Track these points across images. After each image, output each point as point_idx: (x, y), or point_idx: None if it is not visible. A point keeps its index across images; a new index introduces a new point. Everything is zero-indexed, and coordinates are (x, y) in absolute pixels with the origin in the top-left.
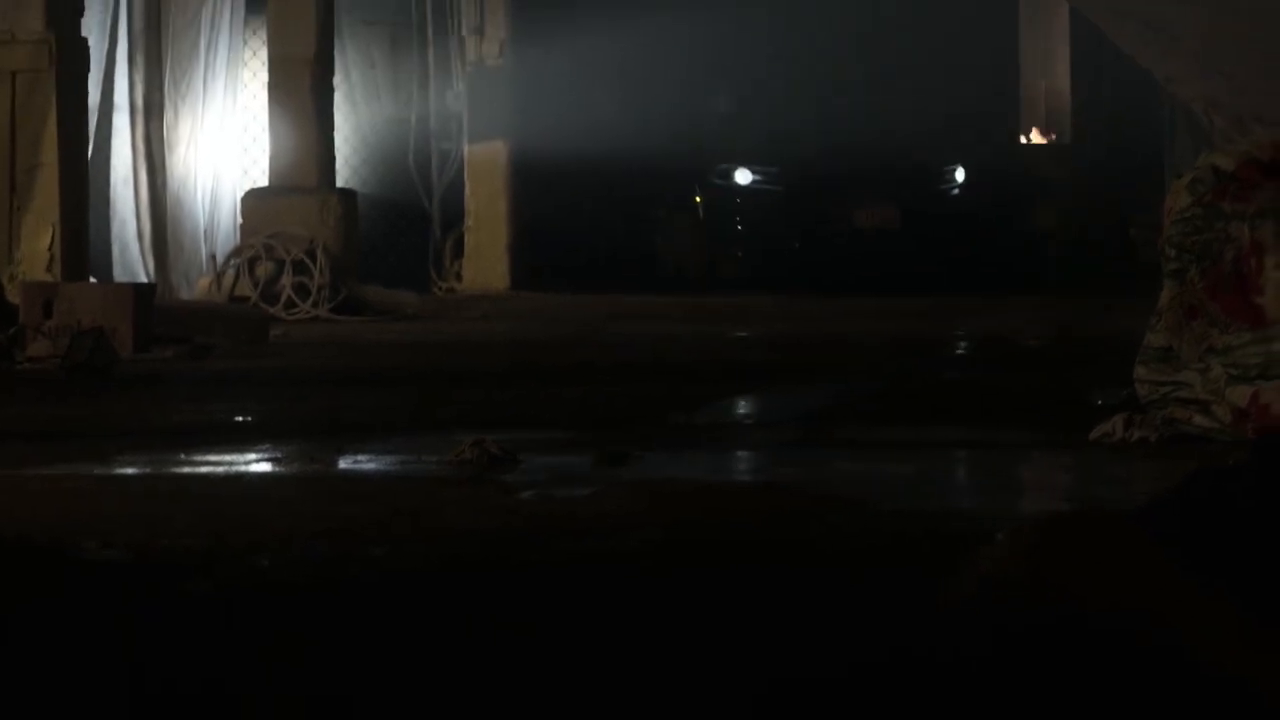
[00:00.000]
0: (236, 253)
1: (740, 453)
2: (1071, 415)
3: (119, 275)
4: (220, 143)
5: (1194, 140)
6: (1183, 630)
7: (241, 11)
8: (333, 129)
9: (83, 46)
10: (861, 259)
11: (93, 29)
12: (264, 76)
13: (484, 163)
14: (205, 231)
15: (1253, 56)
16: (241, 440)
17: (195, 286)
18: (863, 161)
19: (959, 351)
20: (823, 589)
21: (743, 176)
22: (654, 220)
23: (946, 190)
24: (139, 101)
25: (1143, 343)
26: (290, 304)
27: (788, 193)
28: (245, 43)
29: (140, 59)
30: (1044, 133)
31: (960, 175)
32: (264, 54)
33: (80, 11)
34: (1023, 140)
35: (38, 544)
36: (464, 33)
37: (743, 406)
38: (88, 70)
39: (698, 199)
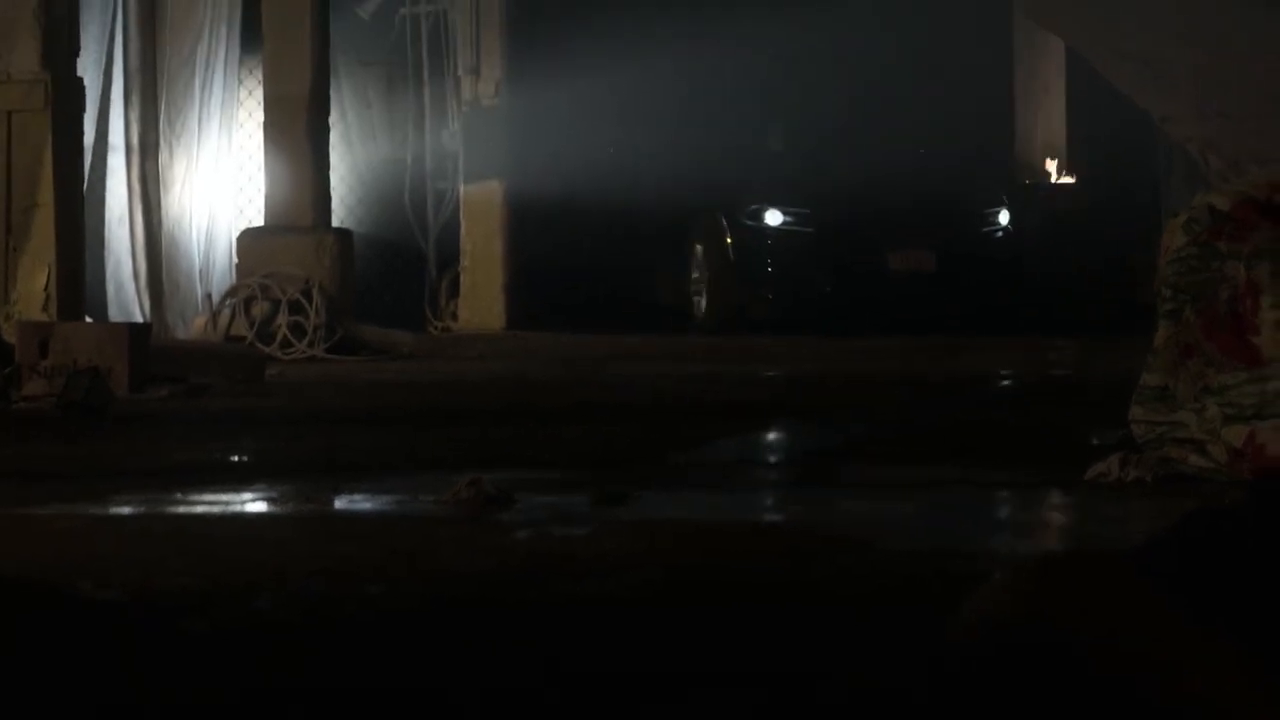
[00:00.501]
0: (232, 292)
1: (741, 492)
2: (1068, 454)
3: (114, 315)
4: (216, 182)
5: (1190, 180)
6: (1178, 670)
7: (237, 51)
8: (328, 168)
9: (78, 86)
10: (894, 302)
11: (88, 68)
12: (260, 116)
13: (480, 202)
14: (201, 271)
15: (1250, 97)
16: (237, 480)
17: (191, 326)
18: (896, 203)
19: (963, 392)
20: (823, 629)
21: (773, 218)
22: (665, 259)
23: (990, 233)
24: (134, 140)
25: (1139, 382)
26: (286, 343)
27: (819, 234)
28: (241, 82)
29: (135, 98)
30: (1059, 172)
31: (1005, 218)
32: (260, 93)
33: (76, 52)
34: (1050, 179)
35: (34, 584)
36: (460, 73)
37: (744, 446)
38: (83, 110)
39: (728, 239)
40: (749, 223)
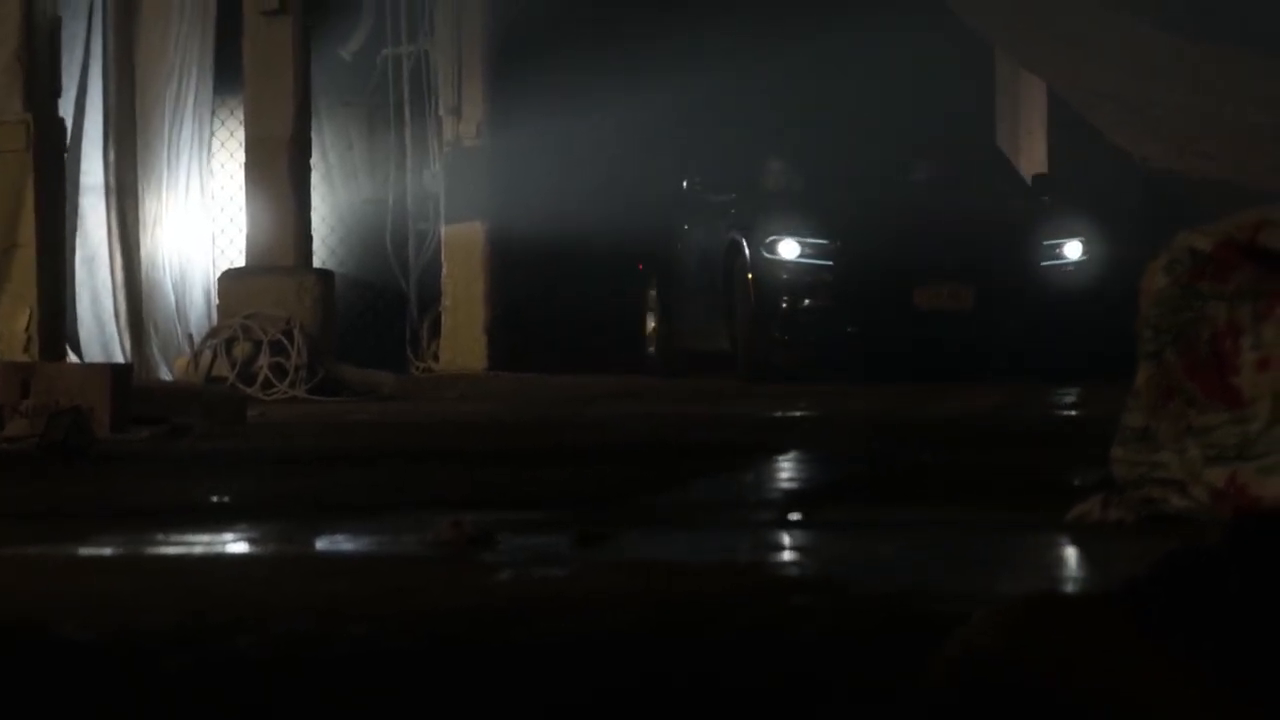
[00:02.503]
0: (213, 333)
1: (721, 533)
2: (1050, 495)
3: (96, 356)
4: (196, 222)
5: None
6: (1159, 711)
7: (209, 91)
8: (310, 209)
9: (60, 127)
10: (924, 345)
11: (68, 108)
12: (241, 156)
13: (461, 243)
14: (182, 312)
15: (1228, 137)
16: (220, 520)
17: (173, 367)
18: (928, 231)
19: (952, 433)
20: (801, 671)
21: (788, 250)
22: (650, 299)
23: (1052, 267)
24: (112, 181)
25: (1120, 423)
26: (268, 384)
27: (840, 268)
28: (223, 123)
29: (113, 138)
30: None
31: (1075, 250)
32: (241, 134)
33: (58, 93)
34: None
35: (14, 624)
36: (441, 113)
37: (725, 486)
38: (65, 150)
39: (749, 275)
40: (766, 255)
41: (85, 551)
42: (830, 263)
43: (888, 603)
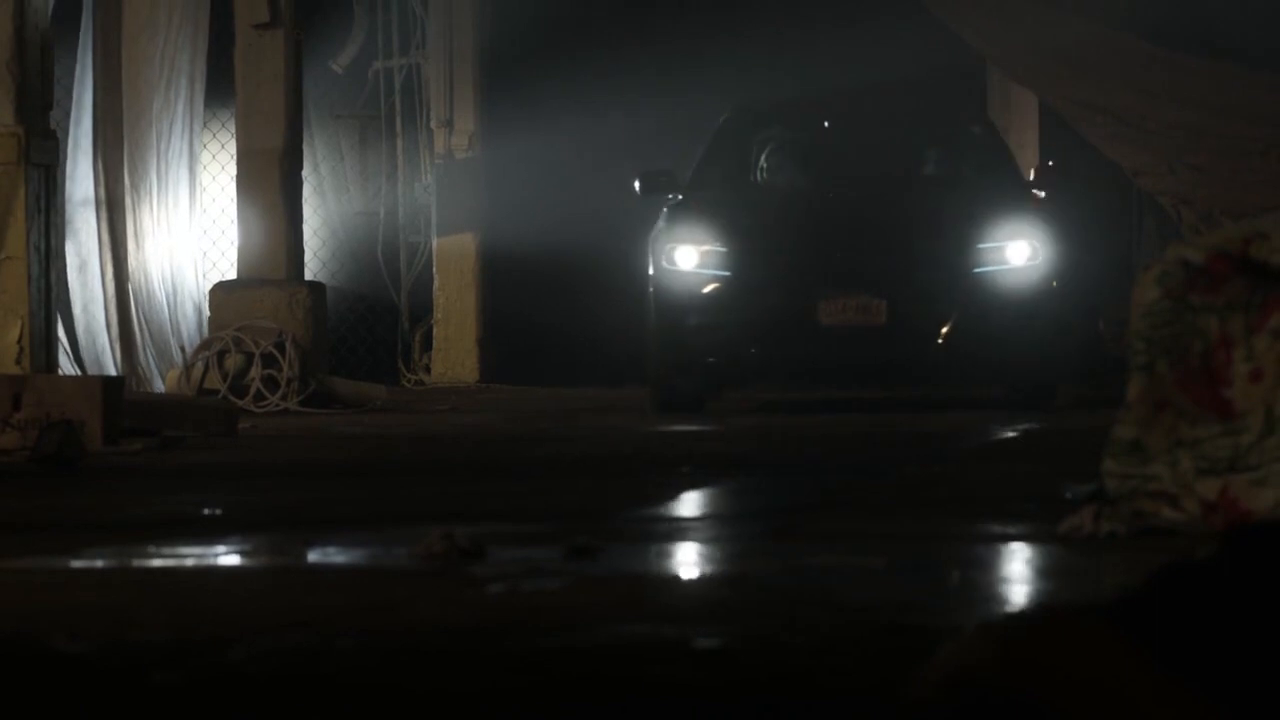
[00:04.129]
0: (205, 345)
1: (708, 545)
2: (1041, 508)
3: (88, 368)
4: (188, 234)
5: (1162, 233)
6: None
7: (201, 103)
8: (302, 221)
9: (52, 139)
10: (832, 368)
11: (59, 119)
12: (233, 168)
13: (453, 255)
14: (173, 324)
15: (1220, 151)
16: (210, 533)
17: (164, 379)
18: (836, 236)
19: (929, 445)
20: (789, 683)
21: (686, 259)
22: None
23: (990, 274)
24: (102, 193)
25: (1111, 435)
26: (259, 396)
27: (738, 279)
28: (214, 135)
29: (103, 150)
30: None
31: (1021, 254)
32: (233, 147)
33: (49, 106)
34: None
35: (4, 636)
36: (433, 125)
37: (712, 499)
38: (57, 163)
39: (650, 289)
40: (666, 266)
41: (76, 564)
42: (729, 273)
43: (880, 615)
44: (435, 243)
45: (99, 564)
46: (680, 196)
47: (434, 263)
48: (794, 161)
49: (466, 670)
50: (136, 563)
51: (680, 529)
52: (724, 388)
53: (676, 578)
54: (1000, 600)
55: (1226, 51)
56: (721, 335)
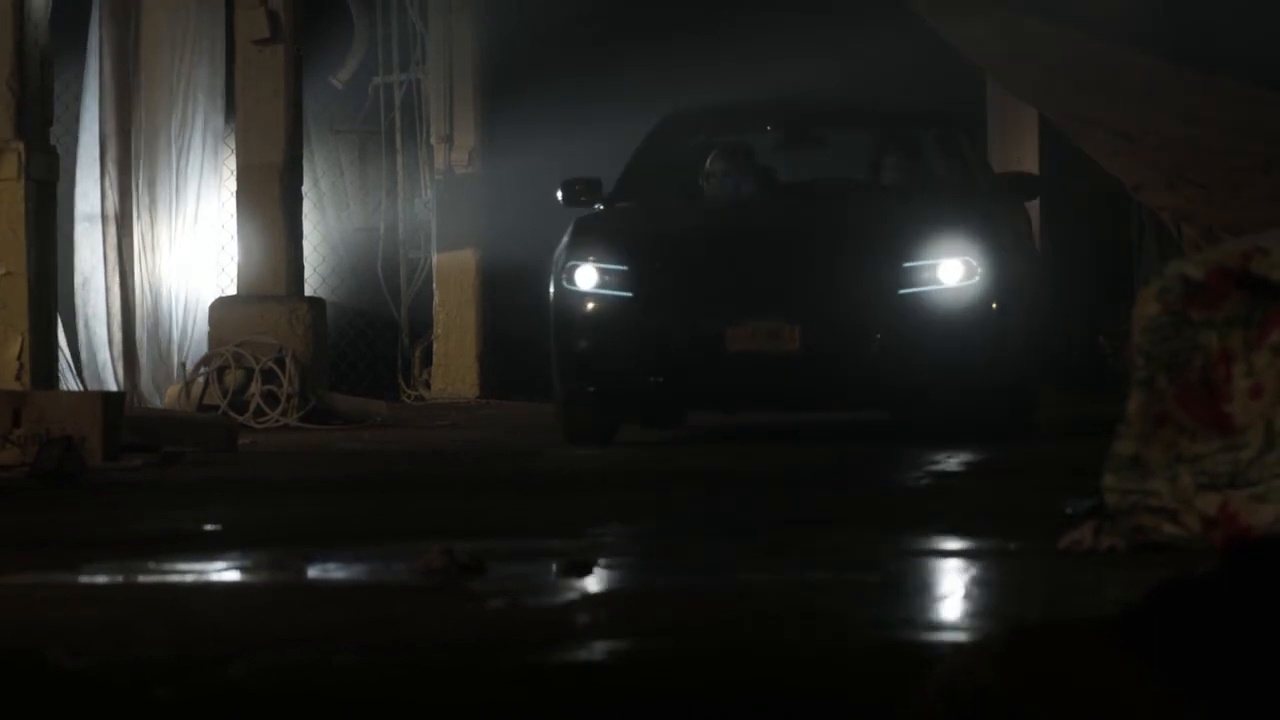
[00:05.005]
0: (205, 361)
1: (707, 560)
2: (1040, 523)
3: (89, 383)
4: (194, 249)
5: (1162, 249)
6: None
7: (220, 117)
8: (301, 237)
9: (52, 155)
10: (740, 397)
11: (62, 136)
12: (233, 184)
13: (453, 271)
14: (175, 339)
15: (1221, 167)
16: (210, 549)
17: (164, 394)
18: (747, 254)
19: (927, 460)
20: (793, 699)
21: (586, 278)
22: None
23: (919, 295)
24: (109, 209)
25: (1111, 451)
26: (259, 412)
27: (641, 300)
28: (232, 150)
29: (111, 164)
30: None
31: (953, 273)
32: (233, 161)
33: (50, 121)
34: None
35: (5, 652)
36: (433, 141)
37: (710, 513)
38: (57, 178)
39: (551, 311)
40: (566, 285)
41: (76, 580)
42: (630, 295)
43: (877, 630)
44: (435, 258)
45: (99, 580)
46: (601, 208)
47: (434, 278)
48: (729, 171)
49: (466, 683)
50: (137, 578)
51: (676, 544)
52: (627, 420)
53: (672, 593)
54: (1000, 614)
55: (1227, 66)
56: (621, 363)
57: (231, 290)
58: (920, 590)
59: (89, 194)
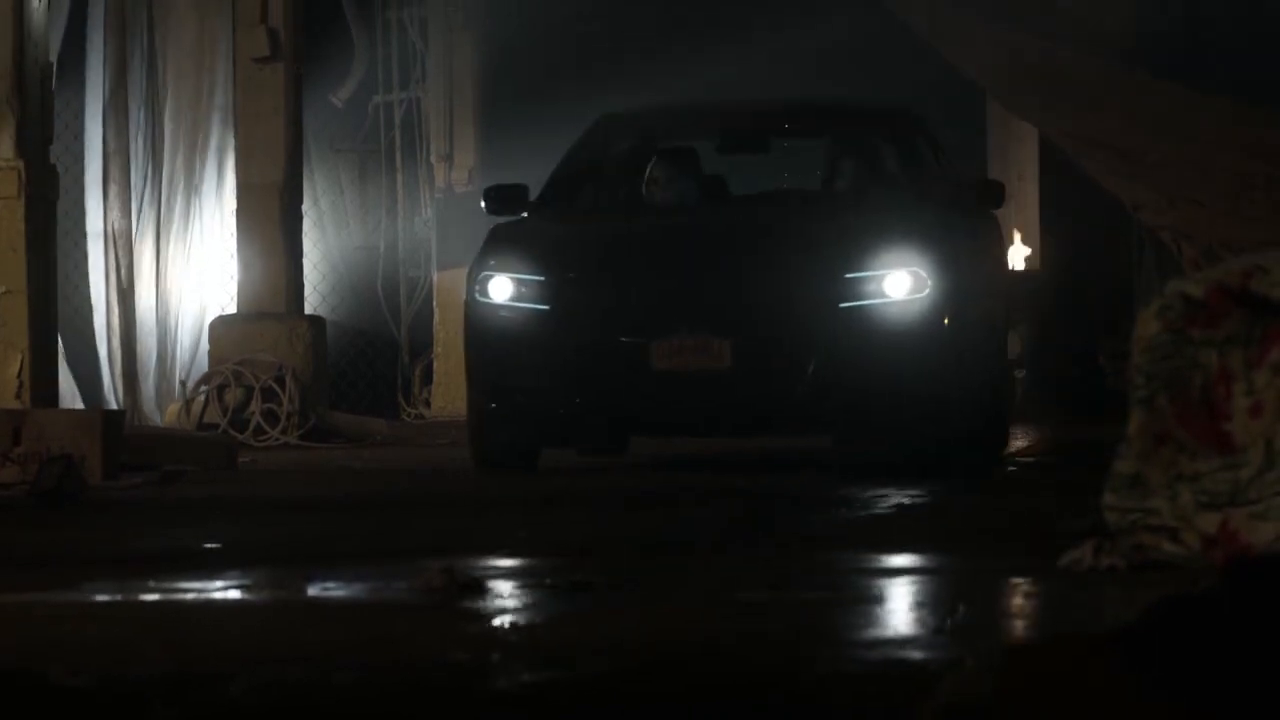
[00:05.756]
0: (206, 379)
1: (706, 578)
2: (1039, 542)
3: (88, 401)
4: (192, 269)
5: (1162, 268)
6: None
7: (230, 136)
8: (301, 255)
9: (52, 174)
10: (668, 418)
11: (61, 155)
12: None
13: (453, 289)
14: (175, 357)
15: (1220, 185)
16: (210, 567)
17: (165, 413)
18: (675, 263)
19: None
20: (794, 714)
21: (500, 290)
22: None
23: (861, 309)
24: (110, 227)
25: (1111, 470)
26: (259, 431)
27: (557, 314)
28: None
29: (112, 186)
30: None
31: (903, 286)
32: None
33: (50, 140)
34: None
35: (5, 672)
36: (433, 159)
37: (710, 530)
38: (57, 197)
39: (464, 326)
40: (479, 298)
41: (76, 598)
42: (547, 308)
43: (877, 649)
44: (435, 277)
45: (99, 598)
46: (526, 215)
47: (434, 297)
48: (673, 177)
49: (466, 704)
50: (136, 597)
51: (676, 562)
52: (548, 444)
53: (672, 612)
54: (1000, 633)
55: (1226, 85)
56: (536, 382)
57: (233, 308)
58: (920, 609)
59: (96, 213)
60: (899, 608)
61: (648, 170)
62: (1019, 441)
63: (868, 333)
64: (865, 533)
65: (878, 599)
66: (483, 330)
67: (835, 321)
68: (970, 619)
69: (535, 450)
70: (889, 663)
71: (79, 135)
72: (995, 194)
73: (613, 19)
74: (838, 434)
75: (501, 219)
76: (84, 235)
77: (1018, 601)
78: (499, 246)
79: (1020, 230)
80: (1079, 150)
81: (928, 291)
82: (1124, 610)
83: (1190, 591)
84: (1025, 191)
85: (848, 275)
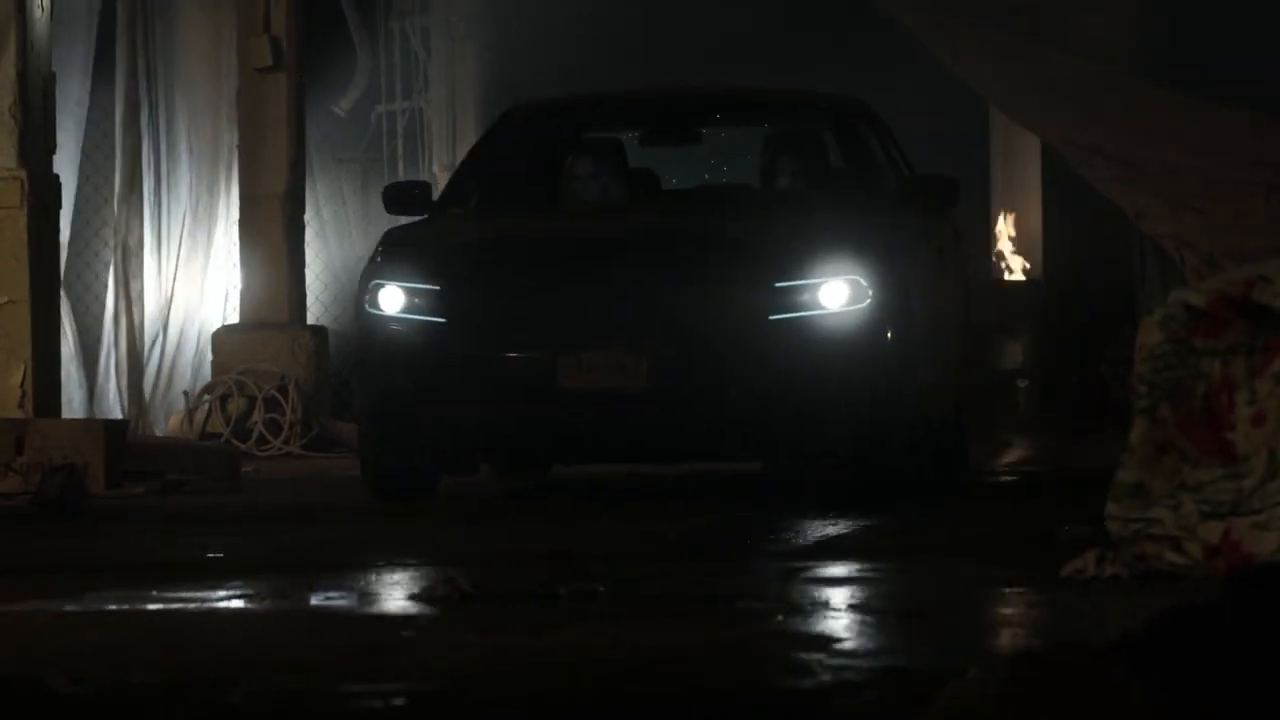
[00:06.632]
0: (208, 388)
1: (711, 585)
2: (1042, 552)
3: (92, 411)
4: (196, 278)
5: (1165, 277)
6: None
7: (229, 148)
8: (304, 265)
9: (54, 183)
10: (576, 442)
11: (64, 165)
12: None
13: None
14: (178, 367)
15: (1222, 194)
16: (212, 576)
17: (168, 423)
18: (588, 272)
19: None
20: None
21: (391, 300)
22: None
23: (795, 320)
24: (120, 237)
25: (1114, 479)
26: (262, 440)
27: (455, 327)
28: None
29: (123, 193)
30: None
31: (841, 296)
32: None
33: (52, 150)
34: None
35: (7, 680)
36: (435, 169)
37: (713, 538)
38: (59, 207)
39: (357, 339)
40: (369, 310)
41: (78, 607)
42: (443, 321)
43: (878, 658)
44: None
45: (101, 607)
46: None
47: None
48: (596, 173)
49: (468, 711)
50: (138, 606)
51: (679, 571)
52: (446, 470)
53: (675, 620)
54: (1002, 643)
55: (1229, 93)
56: (431, 402)
57: (236, 318)
58: (922, 617)
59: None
60: (904, 615)
61: (567, 165)
62: (1016, 452)
63: (800, 348)
64: (869, 544)
65: (884, 605)
66: (373, 344)
67: (764, 335)
68: (969, 628)
69: (433, 478)
70: (888, 671)
71: (99, 145)
72: (950, 191)
73: (616, 27)
74: (767, 459)
75: (405, 220)
76: (104, 245)
77: (1021, 611)
78: (391, 252)
79: (1022, 240)
80: (1080, 158)
81: (868, 302)
82: (1126, 619)
83: (1193, 601)
84: (1028, 200)
85: (779, 284)
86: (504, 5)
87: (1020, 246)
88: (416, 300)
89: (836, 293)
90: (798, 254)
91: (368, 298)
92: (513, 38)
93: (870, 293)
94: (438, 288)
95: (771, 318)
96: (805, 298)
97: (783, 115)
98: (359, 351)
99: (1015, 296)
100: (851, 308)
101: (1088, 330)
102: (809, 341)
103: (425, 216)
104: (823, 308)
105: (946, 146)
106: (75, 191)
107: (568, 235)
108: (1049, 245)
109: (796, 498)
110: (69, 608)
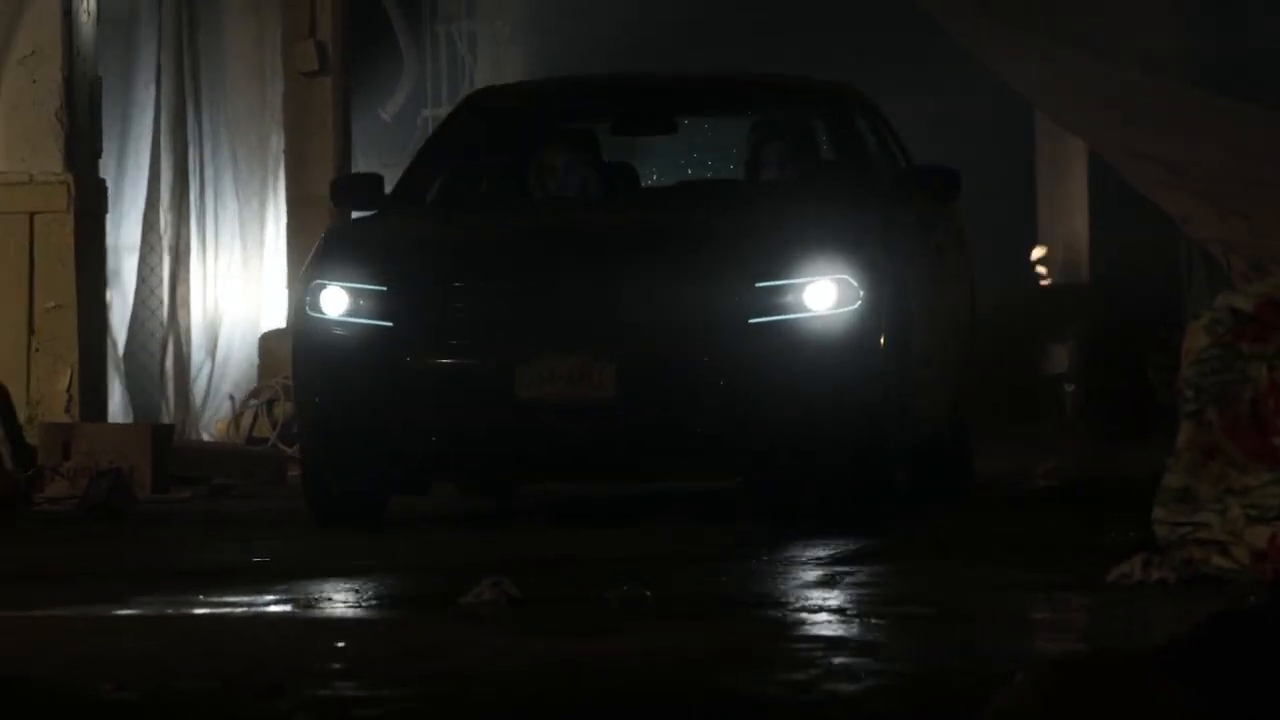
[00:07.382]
0: (255, 393)
1: (756, 592)
2: (1089, 556)
3: (139, 415)
4: (243, 282)
5: (1211, 281)
6: None
7: (275, 152)
8: None
9: (100, 188)
10: (536, 456)
11: (109, 168)
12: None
13: None
14: (226, 371)
15: (1267, 197)
16: (256, 581)
17: (214, 427)
18: (556, 279)
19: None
20: None
21: (334, 303)
22: None
23: (784, 323)
24: (168, 241)
25: (1161, 484)
26: None
27: (403, 335)
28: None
29: (167, 199)
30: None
31: (828, 298)
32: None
33: (98, 154)
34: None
35: (55, 685)
36: None
37: (757, 546)
38: (105, 211)
39: (291, 346)
40: (311, 313)
41: (124, 612)
42: (390, 324)
43: (925, 663)
44: None
45: (146, 612)
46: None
47: None
48: (571, 166)
49: (515, 714)
50: (184, 611)
51: (720, 576)
52: (395, 490)
53: (722, 627)
54: (1050, 647)
55: (1273, 96)
56: (378, 414)
57: (283, 323)
58: (971, 622)
59: (156, 228)
60: (953, 621)
61: (537, 157)
62: (1061, 457)
63: (782, 354)
64: (914, 550)
65: (934, 612)
66: (313, 350)
67: (743, 341)
68: (1016, 632)
69: (381, 499)
70: (935, 674)
71: (141, 150)
72: (951, 184)
73: (661, 34)
74: (744, 474)
75: (356, 215)
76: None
77: (1068, 615)
78: (334, 250)
79: (1068, 242)
80: (1127, 164)
81: (859, 304)
82: (1173, 624)
83: (1240, 606)
84: (1074, 205)
85: (759, 284)
86: (549, 10)
87: (1053, 256)
88: (361, 302)
89: (823, 293)
90: (781, 251)
91: (308, 299)
92: (557, 43)
93: (861, 294)
94: (384, 288)
95: (751, 321)
96: (789, 299)
97: (769, 103)
98: (297, 358)
99: (1062, 301)
100: (840, 310)
101: (1134, 335)
102: (792, 347)
103: (376, 211)
104: (808, 310)
105: (992, 154)
106: (126, 197)
107: (529, 232)
108: (1095, 250)
109: (788, 509)
110: (115, 613)
